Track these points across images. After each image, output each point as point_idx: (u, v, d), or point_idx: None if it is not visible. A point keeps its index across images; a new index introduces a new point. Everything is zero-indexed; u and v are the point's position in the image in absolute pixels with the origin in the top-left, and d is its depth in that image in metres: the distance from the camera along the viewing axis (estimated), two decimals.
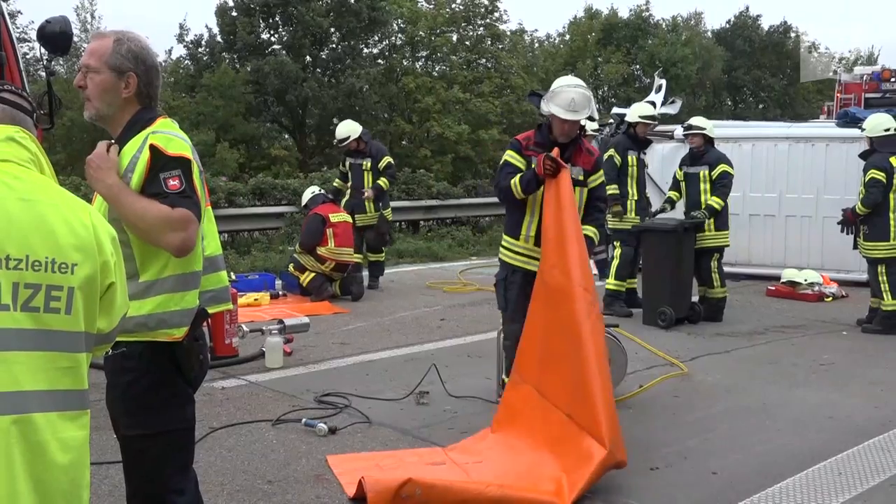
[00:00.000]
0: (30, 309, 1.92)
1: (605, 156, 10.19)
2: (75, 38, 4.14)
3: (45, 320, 1.94)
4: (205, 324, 3.18)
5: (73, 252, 1.99)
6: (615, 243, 10.12)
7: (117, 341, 2.83)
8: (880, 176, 8.86)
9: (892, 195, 8.86)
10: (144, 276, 2.90)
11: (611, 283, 9.91)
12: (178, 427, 3.06)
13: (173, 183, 2.85)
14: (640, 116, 10.08)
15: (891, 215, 8.85)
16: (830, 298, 10.87)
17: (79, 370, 2.02)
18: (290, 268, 10.70)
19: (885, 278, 8.92)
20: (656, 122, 10.38)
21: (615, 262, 9.96)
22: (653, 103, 14.23)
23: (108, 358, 2.93)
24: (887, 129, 8.99)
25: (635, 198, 9.95)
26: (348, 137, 11.25)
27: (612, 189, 9.95)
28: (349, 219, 10.84)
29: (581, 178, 5.77)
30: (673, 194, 10.09)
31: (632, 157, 9.95)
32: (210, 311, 3.15)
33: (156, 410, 2.97)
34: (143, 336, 2.89)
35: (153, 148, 2.87)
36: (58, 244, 1.97)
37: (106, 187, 2.86)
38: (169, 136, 2.93)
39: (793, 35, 47.71)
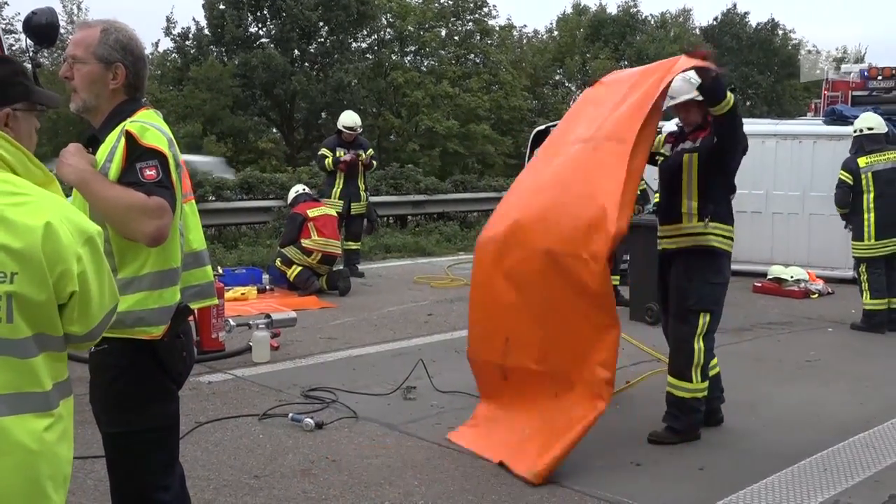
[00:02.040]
0: None
1: None
2: (61, 30, 4.11)
3: None
4: (190, 318, 3.15)
5: (9, 261, 1.96)
6: None
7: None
8: (845, 177, 9.03)
9: (864, 196, 8.90)
10: (123, 272, 2.84)
11: None
12: (159, 425, 3.01)
13: (150, 173, 2.79)
14: None
15: (864, 216, 8.90)
16: (816, 295, 10.91)
17: (31, 374, 2.01)
18: (278, 262, 10.68)
19: (864, 277, 9.02)
20: None
21: None
22: None
23: (91, 355, 2.90)
24: (855, 131, 9.11)
25: None
26: (355, 127, 11.73)
27: None
28: (331, 212, 10.92)
29: (692, 146, 5.62)
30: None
31: None
32: (194, 306, 3.12)
33: (137, 408, 2.94)
34: (121, 333, 2.83)
35: (128, 135, 2.82)
36: None
37: (76, 172, 2.78)
38: (145, 125, 2.87)
39: (780, 32, 47.93)
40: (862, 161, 8.93)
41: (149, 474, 3.00)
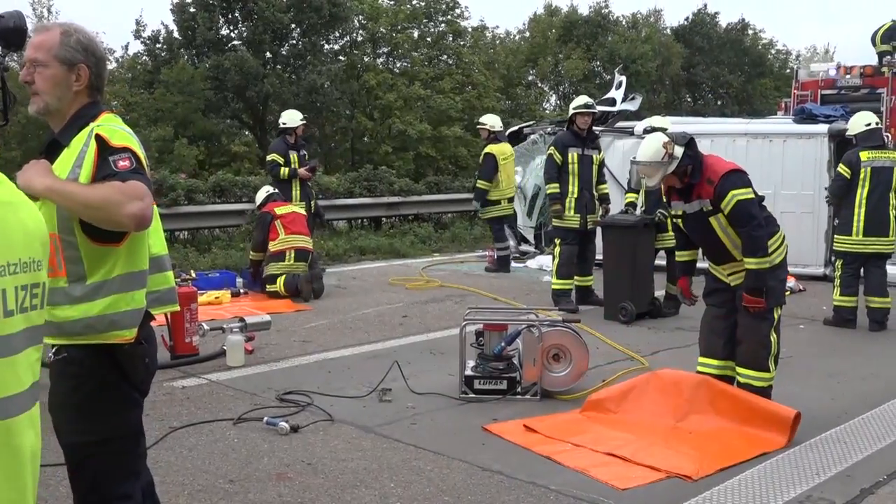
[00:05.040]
0: (23, 310, 1.92)
1: (546, 154, 10.26)
2: (30, 33, 4.03)
3: (32, 318, 1.95)
4: (153, 323, 3.12)
5: (39, 248, 1.99)
6: (556, 241, 10.08)
7: (60, 346, 2.79)
8: (843, 170, 9.07)
9: (859, 191, 8.93)
10: (93, 277, 2.83)
11: (555, 282, 9.93)
12: (124, 433, 2.98)
13: (123, 163, 2.80)
14: (574, 108, 10.05)
15: (855, 210, 8.94)
16: (788, 293, 10.95)
17: (40, 360, 2.03)
18: (268, 287, 10.43)
19: (839, 272, 9.10)
20: (595, 111, 10.33)
21: (555, 262, 9.95)
22: (613, 100, 14.33)
23: (52, 363, 2.85)
24: (868, 124, 9.11)
25: (575, 195, 9.79)
26: (303, 118, 12.25)
27: (551, 188, 9.95)
28: (298, 209, 10.93)
29: (709, 208, 5.77)
30: (632, 196, 10.07)
31: (573, 154, 9.84)
32: (154, 312, 3.09)
33: (99, 417, 2.90)
34: (90, 339, 2.81)
35: (99, 138, 2.82)
36: (32, 243, 1.96)
37: (46, 184, 2.72)
38: (114, 128, 2.89)
39: (750, 32, 48.32)
40: (864, 155, 8.95)
41: (111, 484, 2.96)
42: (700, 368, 6.10)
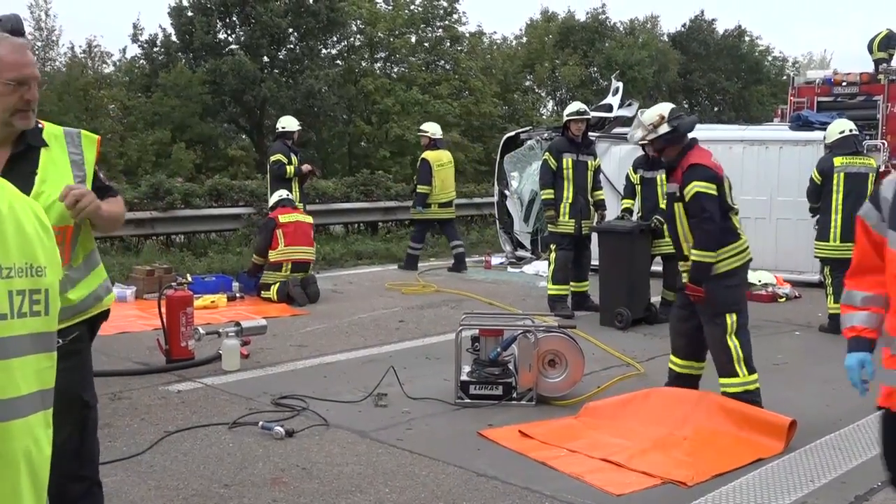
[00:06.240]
0: (21, 315, 1.92)
1: (541, 160, 10.29)
2: (28, 37, 4.07)
3: (33, 324, 1.94)
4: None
5: (40, 254, 1.99)
6: (551, 246, 10.09)
7: (67, 328, 3.07)
8: (815, 176, 9.16)
9: (834, 196, 8.97)
10: (76, 260, 3.17)
11: (551, 287, 9.93)
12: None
13: (103, 175, 3.35)
14: (567, 115, 10.08)
15: (831, 216, 8.96)
16: (784, 299, 11.02)
17: (54, 368, 2.03)
18: (263, 293, 10.53)
19: (829, 280, 9.10)
20: (588, 117, 10.33)
21: (551, 267, 9.96)
22: (610, 106, 14.34)
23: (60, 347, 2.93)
24: (842, 132, 9.15)
25: (569, 201, 9.80)
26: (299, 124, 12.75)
27: (546, 194, 9.96)
28: (303, 218, 10.87)
29: (677, 194, 5.91)
30: (628, 202, 10.08)
31: (567, 160, 9.85)
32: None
33: (91, 383, 3.31)
34: (95, 309, 3.23)
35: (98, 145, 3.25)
36: (32, 248, 1.97)
37: (104, 209, 3.12)
38: None
39: (747, 39, 48.40)
40: (837, 161, 8.99)
41: (97, 457, 3.35)
42: (669, 365, 6.31)
